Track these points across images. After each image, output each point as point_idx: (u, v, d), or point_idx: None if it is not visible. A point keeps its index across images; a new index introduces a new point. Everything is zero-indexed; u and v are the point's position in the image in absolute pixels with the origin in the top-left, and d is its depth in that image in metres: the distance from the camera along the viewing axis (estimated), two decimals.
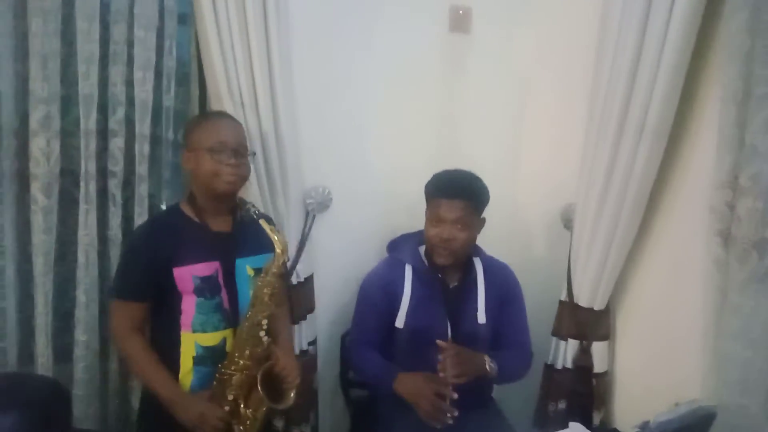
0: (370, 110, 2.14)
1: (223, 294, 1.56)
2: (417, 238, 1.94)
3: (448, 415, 1.66)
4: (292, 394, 1.57)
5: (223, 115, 1.67)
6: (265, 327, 1.54)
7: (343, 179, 2.09)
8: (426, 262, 1.89)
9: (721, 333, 1.49)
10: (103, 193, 1.76)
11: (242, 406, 1.54)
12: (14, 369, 1.69)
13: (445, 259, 1.82)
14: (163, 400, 1.49)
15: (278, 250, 1.52)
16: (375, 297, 1.88)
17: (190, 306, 1.53)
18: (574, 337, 2.01)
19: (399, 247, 1.96)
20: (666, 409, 1.32)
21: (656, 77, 1.65)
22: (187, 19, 1.86)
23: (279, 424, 1.96)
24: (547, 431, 1.93)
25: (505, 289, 1.92)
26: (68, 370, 1.76)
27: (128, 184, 1.79)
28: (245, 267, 1.61)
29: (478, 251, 1.93)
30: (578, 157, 1.95)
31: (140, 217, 1.79)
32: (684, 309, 1.72)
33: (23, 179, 1.68)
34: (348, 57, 2.07)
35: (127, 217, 1.80)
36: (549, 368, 2.08)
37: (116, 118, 1.73)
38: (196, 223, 1.58)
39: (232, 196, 1.62)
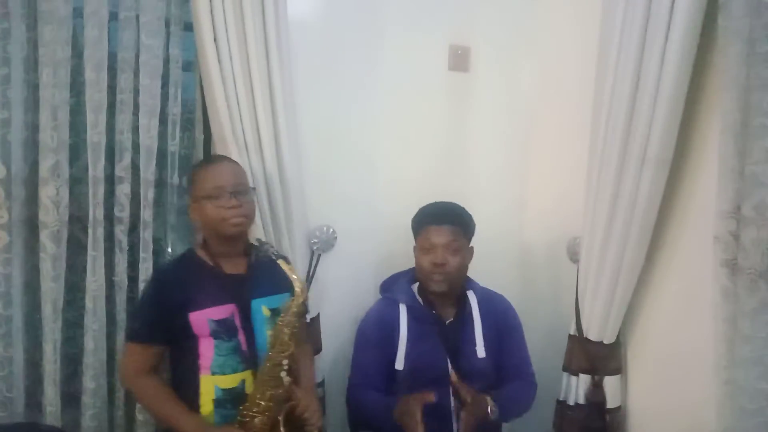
0: (373, 148, 2.17)
1: (241, 336, 1.57)
2: (408, 276, 1.94)
3: None
4: None
5: (217, 159, 1.70)
6: (286, 367, 1.54)
7: (348, 218, 2.10)
8: (420, 299, 1.88)
9: (734, 363, 1.47)
10: (109, 239, 1.78)
11: None
12: (21, 418, 1.68)
13: (440, 286, 1.82)
14: None
15: (298, 290, 1.53)
16: (372, 339, 1.87)
17: (207, 349, 1.54)
18: (586, 372, 1.97)
19: (391, 286, 1.95)
20: None
21: (655, 107, 1.66)
22: (191, 66, 1.90)
23: None
24: None
25: (502, 320, 1.91)
26: (76, 417, 1.75)
27: (134, 229, 1.81)
28: (261, 308, 1.62)
29: (471, 284, 1.93)
30: (583, 190, 1.96)
31: (145, 262, 1.80)
32: (695, 339, 1.70)
33: (32, 227, 1.70)
34: (351, 96, 2.11)
35: (133, 262, 1.82)
36: (561, 404, 2.04)
37: (123, 165, 1.77)
38: (210, 267, 1.59)
39: (242, 237, 1.64)
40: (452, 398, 1.78)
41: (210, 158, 1.74)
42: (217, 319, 1.54)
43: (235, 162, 1.69)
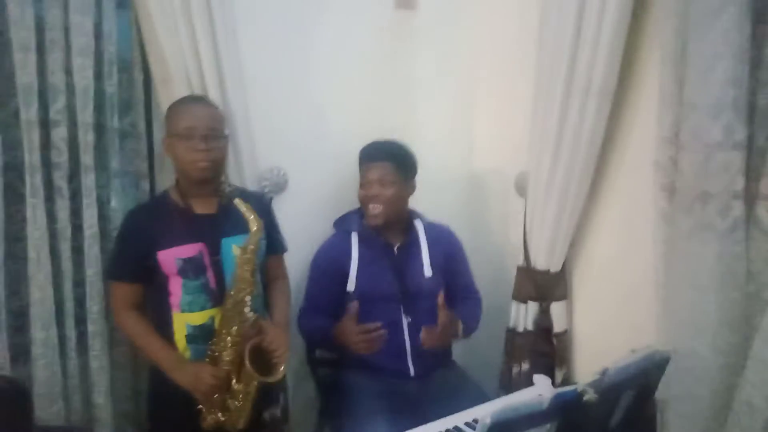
0: (320, 88, 2.14)
1: (209, 274, 1.61)
2: (359, 211, 2.03)
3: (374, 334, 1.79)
4: (282, 368, 1.59)
5: (195, 99, 1.68)
6: (249, 304, 1.58)
7: (298, 160, 2.09)
8: (369, 229, 1.98)
9: (671, 281, 1.56)
10: (48, 186, 1.70)
11: (234, 381, 1.58)
12: None
13: (375, 219, 1.93)
14: (162, 367, 1.58)
15: (254, 228, 1.56)
16: (323, 266, 1.99)
17: (176, 287, 1.60)
18: (533, 300, 2.07)
19: (343, 221, 2.06)
20: (624, 356, 1.37)
21: (598, 39, 1.70)
22: (126, 2, 1.80)
23: None
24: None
25: (447, 245, 2.05)
26: (27, 369, 1.71)
27: (74, 176, 1.74)
28: (232, 246, 1.63)
29: (417, 215, 2.05)
30: (529, 125, 2.00)
31: (89, 209, 1.73)
32: (636, 262, 1.80)
33: None
34: (298, 36, 2.06)
35: (75, 210, 1.75)
36: (511, 332, 2.14)
37: (57, 107, 1.67)
38: (181, 207, 1.63)
39: (213, 179, 1.64)
40: (404, 315, 1.92)
41: (188, 98, 1.70)
42: (184, 258, 1.58)
43: (214, 105, 1.69)
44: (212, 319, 1.61)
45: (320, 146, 2.17)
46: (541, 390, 1.62)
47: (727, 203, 1.47)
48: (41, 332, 1.70)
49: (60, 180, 1.70)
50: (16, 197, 1.69)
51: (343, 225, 2.04)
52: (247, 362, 1.53)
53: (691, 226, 1.52)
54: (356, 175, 1.99)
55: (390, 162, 1.93)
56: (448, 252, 2.03)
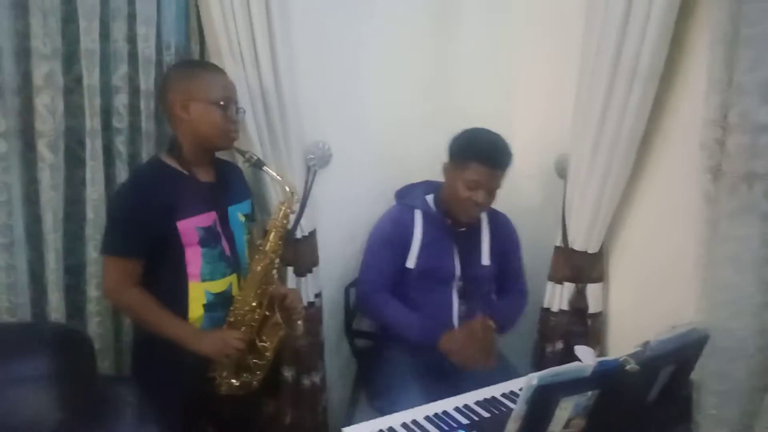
0: (367, 65, 2.18)
1: (224, 242, 1.63)
2: (423, 187, 2.03)
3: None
4: (300, 322, 1.71)
5: (219, 68, 1.69)
6: (277, 265, 1.65)
7: (342, 134, 2.13)
8: (434, 208, 1.97)
9: (712, 261, 1.58)
10: (107, 151, 1.77)
11: (257, 340, 1.64)
12: None
13: (471, 219, 1.93)
14: (180, 339, 1.55)
15: (290, 192, 1.62)
16: (387, 239, 1.96)
17: (195, 257, 1.58)
18: (570, 281, 2.09)
19: (407, 195, 2.04)
20: (665, 331, 1.40)
21: (647, 22, 1.70)
22: None
23: (289, 374, 2.02)
24: None
25: (506, 237, 2.05)
26: (81, 326, 1.79)
27: (133, 142, 1.81)
28: (237, 214, 1.68)
29: None
30: (571, 107, 2.01)
31: None
32: (675, 244, 1.81)
33: (29, 138, 1.68)
34: (346, 12, 2.10)
35: None
36: (545, 312, 2.17)
37: (119, 75, 1.74)
38: (186, 176, 1.60)
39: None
40: (456, 299, 1.94)
41: (211, 64, 1.73)
42: (204, 227, 1.58)
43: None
44: (230, 285, 1.64)
45: (364, 121, 2.21)
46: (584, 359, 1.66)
47: None
48: (96, 290, 1.77)
49: (120, 145, 1.77)
50: (74, 160, 1.76)
51: (406, 199, 2.03)
52: (277, 315, 1.61)
53: (736, 207, 1.53)
54: (398, 150, 2.02)
55: (505, 170, 1.90)
56: (506, 243, 2.05)
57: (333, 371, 2.22)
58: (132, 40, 1.74)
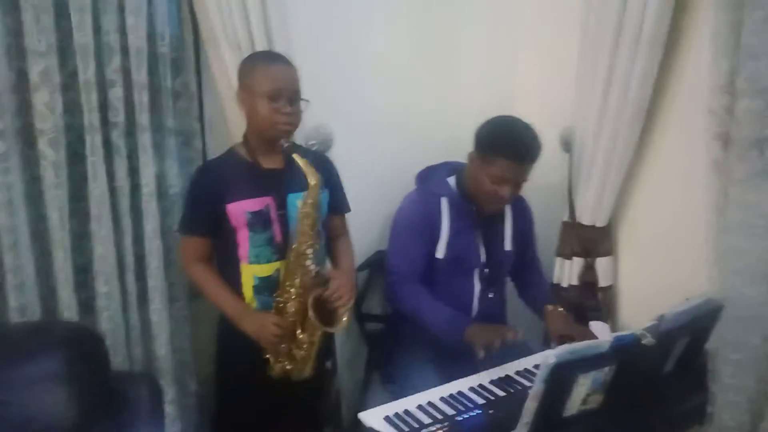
0: (365, 47, 2.14)
1: (275, 228, 1.66)
2: (445, 169, 1.96)
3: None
4: (345, 318, 1.64)
5: (279, 57, 1.67)
6: (310, 257, 1.62)
7: (344, 119, 2.10)
8: (459, 193, 1.91)
9: (723, 228, 1.56)
10: (106, 145, 1.75)
11: (299, 331, 1.64)
12: None
13: (494, 211, 1.91)
14: (228, 315, 1.66)
15: (313, 182, 1.60)
16: (416, 229, 1.88)
17: (244, 240, 1.65)
18: (578, 255, 2.08)
19: (429, 179, 1.97)
20: (679, 303, 1.39)
21: None
22: None
23: None
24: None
25: (524, 218, 2.03)
26: (91, 322, 1.78)
27: (130, 135, 1.79)
28: (297, 202, 1.67)
29: None
30: (574, 79, 1.98)
31: (146, 167, 1.79)
32: (684, 214, 1.79)
33: (27, 135, 1.66)
34: None
35: (132, 168, 1.80)
36: (555, 287, 2.16)
37: (113, 68, 1.72)
38: (248, 162, 1.67)
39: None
40: (478, 282, 1.93)
41: (273, 54, 1.71)
42: (252, 211, 1.63)
43: (295, 67, 1.67)
44: (278, 271, 1.66)
45: (366, 104, 2.18)
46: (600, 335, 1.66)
47: None
48: (104, 286, 1.77)
49: (118, 139, 1.75)
50: (75, 157, 1.75)
51: (429, 184, 1.95)
52: (310, 312, 1.58)
53: (747, 173, 1.51)
54: (402, 131, 1.99)
55: (534, 162, 1.80)
56: (526, 226, 2.03)
57: (343, 355, 2.22)
58: (123, 31, 1.71)
